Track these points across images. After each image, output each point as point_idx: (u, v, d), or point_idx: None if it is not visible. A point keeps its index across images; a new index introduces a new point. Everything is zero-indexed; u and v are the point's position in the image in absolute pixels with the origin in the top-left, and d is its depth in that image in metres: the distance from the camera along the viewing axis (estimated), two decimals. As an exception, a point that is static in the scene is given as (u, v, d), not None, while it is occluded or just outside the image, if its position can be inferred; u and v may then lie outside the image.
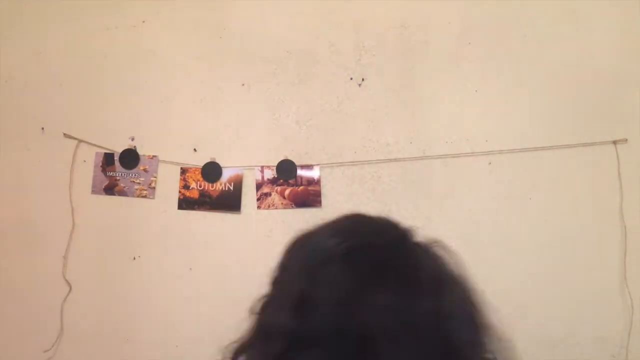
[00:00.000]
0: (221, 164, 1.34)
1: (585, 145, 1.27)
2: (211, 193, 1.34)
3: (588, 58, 1.29)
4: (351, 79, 1.33)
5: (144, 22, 1.37)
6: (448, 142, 1.30)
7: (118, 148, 1.37)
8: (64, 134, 1.37)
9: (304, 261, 0.58)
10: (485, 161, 1.29)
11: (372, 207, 1.32)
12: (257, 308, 0.64)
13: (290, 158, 1.33)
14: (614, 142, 1.26)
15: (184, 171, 1.35)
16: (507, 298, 1.28)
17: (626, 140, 1.26)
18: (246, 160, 1.34)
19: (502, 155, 1.29)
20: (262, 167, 1.34)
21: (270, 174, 1.33)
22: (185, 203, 1.35)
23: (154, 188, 1.35)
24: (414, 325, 0.52)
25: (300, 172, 1.33)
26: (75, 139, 1.37)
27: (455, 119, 1.30)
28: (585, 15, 1.28)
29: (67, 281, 1.36)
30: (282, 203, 1.33)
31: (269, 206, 1.33)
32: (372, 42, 1.32)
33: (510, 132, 1.29)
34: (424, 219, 1.29)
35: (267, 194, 1.33)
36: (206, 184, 1.34)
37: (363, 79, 1.33)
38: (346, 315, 0.52)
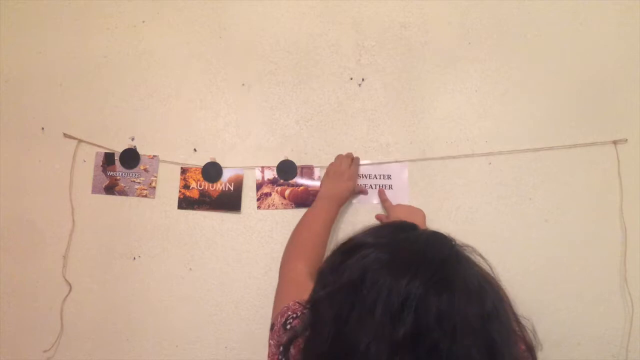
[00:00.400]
0: (221, 164, 1.34)
1: (585, 145, 1.27)
2: (211, 193, 1.34)
3: (588, 58, 1.29)
4: (351, 79, 1.33)
5: (144, 22, 1.37)
6: (448, 142, 1.30)
7: (118, 148, 1.37)
8: (64, 134, 1.37)
9: (380, 301, 0.60)
10: (485, 161, 1.29)
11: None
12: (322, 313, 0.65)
13: (290, 158, 1.34)
14: (614, 142, 1.26)
15: (184, 171, 1.35)
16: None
17: (626, 140, 1.26)
18: (246, 161, 1.35)
19: (502, 156, 1.29)
20: (263, 167, 1.34)
21: (270, 174, 1.33)
22: (185, 203, 1.35)
23: (154, 188, 1.35)
24: (468, 326, 0.58)
25: (299, 174, 1.33)
26: (75, 139, 1.37)
27: (455, 119, 1.30)
28: (585, 15, 1.28)
29: (67, 281, 1.36)
30: (282, 203, 1.33)
31: (268, 206, 1.33)
32: (372, 42, 1.32)
33: (510, 132, 1.29)
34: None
35: (267, 194, 1.33)
36: (206, 183, 1.34)
37: (363, 79, 1.33)
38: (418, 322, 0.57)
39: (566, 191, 1.28)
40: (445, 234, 0.71)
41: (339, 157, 1.28)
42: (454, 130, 1.30)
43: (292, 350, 0.71)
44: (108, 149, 1.37)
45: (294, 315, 0.78)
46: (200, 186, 1.34)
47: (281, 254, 1.33)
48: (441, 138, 1.31)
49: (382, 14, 1.32)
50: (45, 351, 1.36)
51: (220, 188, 1.34)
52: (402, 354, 0.56)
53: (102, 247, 1.37)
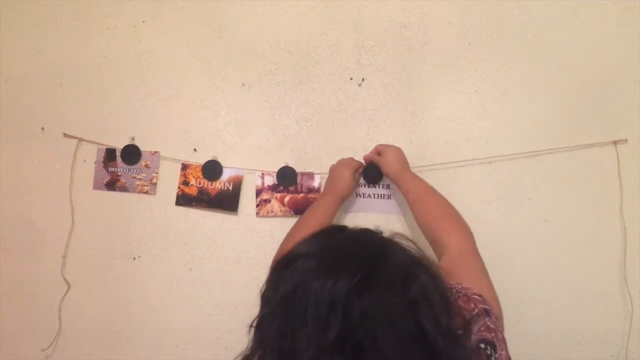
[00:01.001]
0: (222, 163, 1.34)
1: (585, 145, 1.27)
2: (210, 191, 1.34)
3: (588, 58, 1.28)
4: (351, 79, 1.33)
5: (144, 22, 1.37)
6: (448, 142, 1.30)
7: (118, 147, 1.37)
8: (64, 134, 1.37)
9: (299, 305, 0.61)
10: (485, 161, 1.29)
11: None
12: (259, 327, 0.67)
13: (289, 158, 1.34)
14: (614, 143, 1.26)
15: (184, 167, 1.35)
16: (506, 298, 1.28)
17: (626, 140, 1.26)
18: (246, 161, 1.34)
19: (502, 156, 1.29)
20: (263, 173, 1.33)
21: (270, 180, 1.33)
22: (183, 199, 1.35)
23: (155, 184, 1.35)
24: (389, 319, 0.58)
25: (300, 179, 1.33)
26: (75, 138, 1.37)
27: (455, 119, 1.30)
28: (585, 15, 1.28)
29: (66, 280, 1.36)
30: (281, 210, 1.33)
31: (267, 213, 1.33)
32: (372, 42, 1.32)
33: (510, 132, 1.29)
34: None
35: (267, 201, 1.33)
36: (205, 181, 1.34)
37: (363, 79, 1.33)
38: (340, 327, 0.57)
39: (566, 191, 1.28)
40: (374, 228, 0.72)
41: (341, 159, 1.29)
42: (454, 130, 1.30)
43: None
44: (109, 147, 1.37)
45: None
46: (199, 184, 1.34)
47: (281, 254, 1.33)
48: (441, 138, 1.30)
49: (382, 14, 1.32)
50: (43, 350, 1.36)
51: (219, 187, 1.34)
52: (333, 358, 0.57)
53: (102, 246, 1.37)
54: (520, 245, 1.29)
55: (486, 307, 0.75)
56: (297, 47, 1.34)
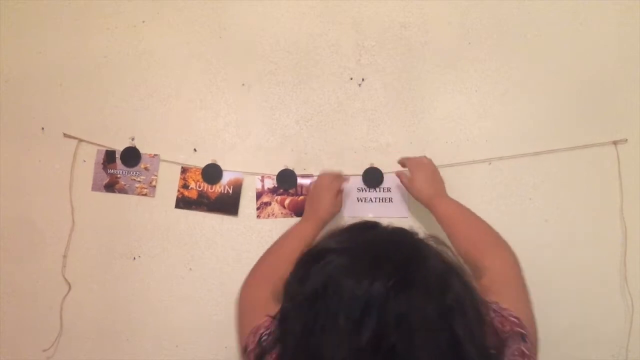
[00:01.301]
0: (221, 165, 1.34)
1: (585, 145, 1.27)
2: (210, 194, 1.34)
3: (588, 58, 1.28)
4: (351, 79, 1.33)
5: (144, 22, 1.37)
6: (448, 142, 1.30)
7: (118, 148, 1.37)
8: (64, 134, 1.37)
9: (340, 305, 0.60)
10: (485, 161, 1.29)
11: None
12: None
13: (289, 158, 1.34)
14: (614, 143, 1.26)
15: (184, 170, 1.35)
16: (507, 298, 1.28)
17: (626, 140, 1.26)
18: (246, 161, 1.34)
19: (502, 156, 1.29)
20: (263, 176, 1.33)
21: (270, 183, 1.33)
22: (183, 202, 1.35)
23: (154, 187, 1.35)
24: (426, 325, 0.57)
25: (300, 181, 1.33)
26: (75, 138, 1.37)
27: (455, 119, 1.30)
28: (585, 15, 1.28)
29: (66, 280, 1.36)
30: (282, 212, 1.33)
31: (268, 215, 1.33)
32: (372, 42, 1.32)
33: (510, 132, 1.29)
34: (424, 220, 1.29)
35: (267, 204, 1.33)
36: (205, 184, 1.34)
37: (363, 79, 1.33)
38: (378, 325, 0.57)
39: (566, 191, 1.28)
40: (408, 228, 0.71)
41: (321, 174, 1.24)
42: (454, 130, 1.30)
43: None
44: (108, 148, 1.37)
45: (268, 332, 0.76)
46: (199, 187, 1.34)
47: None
48: (441, 138, 1.30)
49: (382, 14, 1.32)
50: (44, 350, 1.36)
51: (219, 190, 1.34)
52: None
53: (102, 247, 1.37)
54: (520, 245, 1.28)
55: (523, 331, 0.72)
56: (297, 47, 1.34)
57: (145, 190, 1.36)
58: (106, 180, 1.36)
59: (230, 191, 1.34)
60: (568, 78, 1.29)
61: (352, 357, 0.57)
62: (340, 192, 1.21)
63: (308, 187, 1.31)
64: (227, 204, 1.33)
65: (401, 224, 1.28)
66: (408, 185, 1.18)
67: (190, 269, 1.35)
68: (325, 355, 0.58)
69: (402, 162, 1.24)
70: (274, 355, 0.69)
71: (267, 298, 0.89)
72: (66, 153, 1.37)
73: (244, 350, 0.79)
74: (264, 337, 0.74)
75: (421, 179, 1.15)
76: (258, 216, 1.33)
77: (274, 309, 0.72)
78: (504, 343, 0.69)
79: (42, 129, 1.39)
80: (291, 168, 1.33)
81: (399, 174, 1.22)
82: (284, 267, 0.81)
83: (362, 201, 1.31)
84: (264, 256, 1.11)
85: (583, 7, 1.28)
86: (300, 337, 0.60)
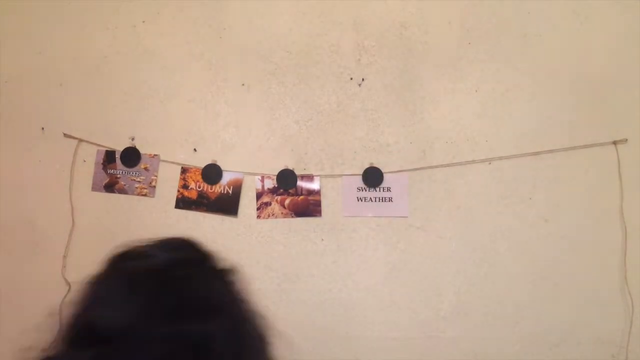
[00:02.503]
0: (221, 165, 1.34)
1: (585, 145, 1.27)
2: (209, 195, 1.34)
3: (588, 58, 1.28)
4: (351, 79, 1.33)
5: (144, 22, 1.37)
6: (448, 142, 1.30)
7: (118, 148, 1.37)
8: (64, 134, 1.37)
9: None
10: (485, 161, 1.29)
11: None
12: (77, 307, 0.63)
13: (289, 158, 1.33)
14: (614, 143, 1.26)
15: (184, 170, 1.35)
16: (507, 298, 1.28)
17: (626, 140, 1.26)
18: (245, 161, 1.34)
19: (502, 155, 1.29)
20: (263, 176, 1.33)
21: (270, 183, 1.33)
22: (183, 202, 1.34)
23: (154, 187, 1.35)
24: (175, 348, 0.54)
25: (300, 182, 1.32)
26: (75, 138, 1.37)
27: (455, 119, 1.30)
28: (585, 15, 1.28)
29: (66, 281, 1.36)
30: (282, 212, 1.33)
31: (268, 215, 1.33)
32: (372, 42, 1.32)
33: (510, 132, 1.29)
34: (424, 219, 1.29)
35: (267, 204, 1.33)
36: (205, 185, 1.34)
37: (363, 79, 1.33)
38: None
39: (566, 191, 1.28)
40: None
41: None
42: (454, 130, 1.30)
43: None
44: (108, 148, 1.37)
45: None
46: (199, 187, 1.34)
47: (281, 254, 1.33)
48: (441, 138, 1.30)
49: (382, 14, 1.32)
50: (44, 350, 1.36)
51: (219, 191, 1.34)
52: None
53: (102, 247, 1.35)
54: (520, 246, 1.28)
55: None
56: (297, 47, 1.34)
57: (145, 190, 1.35)
58: (106, 180, 1.36)
59: (230, 191, 1.34)
60: (568, 78, 1.29)
61: None
62: None
63: (308, 188, 1.32)
64: (227, 204, 1.33)
65: (401, 223, 1.31)
66: None
67: (190, 269, 1.34)
68: None
69: None
70: None
71: None
72: (66, 153, 1.37)
73: None
74: None
75: None
76: (258, 216, 1.33)
77: None
78: None
79: (42, 129, 1.39)
80: (291, 168, 1.33)
81: None
82: None
83: (362, 201, 1.31)
84: None
85: (583, 8, 1.28)
86: None
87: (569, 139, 1.27)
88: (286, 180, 1.32)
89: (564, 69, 1.29)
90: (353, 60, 1.33)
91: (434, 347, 1.28)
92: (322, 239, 1.32)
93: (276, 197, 1.33)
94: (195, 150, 1.35)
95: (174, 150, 1.36)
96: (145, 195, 1.35)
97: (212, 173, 1.34)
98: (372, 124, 1.32)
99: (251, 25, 1.35)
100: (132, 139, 1.37)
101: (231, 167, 1.34)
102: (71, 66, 1.38)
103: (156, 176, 1.35)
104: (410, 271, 1.29)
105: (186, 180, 1.35)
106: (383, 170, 1.31)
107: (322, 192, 1.32)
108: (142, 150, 1.36)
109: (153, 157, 1.36)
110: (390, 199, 1.31)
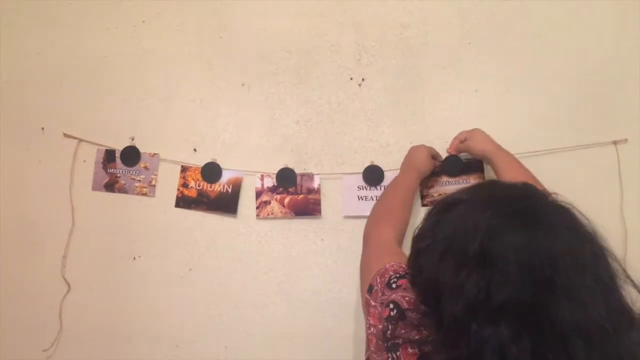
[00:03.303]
0: (221, 164, 1.34)
1: (585, 145, 1.27)
2: (209, 193, 1.34)
3: (588, 58, 1.28)
4: (351, 79, 1.33)
5: (144, 22, 1.37)
6: (448, 142, 1.30)
7: (118, 147, 1.37)
8: (64, 134, 1.37)
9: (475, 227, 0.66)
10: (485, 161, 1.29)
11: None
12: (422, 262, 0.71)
13: (289, 158, 1.33)
14: (614, 142, 1.26)
15: (184, 169, 1.35)
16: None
17: (626, 140, 1.26)
18: (245, 161, 1.34)
19: (502, 155, 1.28)
20: (262, 175, 1.33)
21: (270, 182, 1.33)
22: (183, 201, 1.35)
23: (154, 186, 1.35)
24: (583, 263, 0.65)
25: (300, 181, 1.33)
26: (75, 138, 1.37)
27: (455, 119, 1.30)
28: (585, 15, 1.28)
29: (66, 280, 1.36)
30: (281, 212, 1.33)
31: (268, 214, 1.33)
32: (372, 42, 1.32)
33: (510, 132, 1.29)
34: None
35: (267, 202, 1.33)
36: (205, 183, 1.34)
37: (363, 79, 1.33)
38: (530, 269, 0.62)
39: (566, 191, 1.27)
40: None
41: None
42: (454, 131, 1.30)
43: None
44: (108, 147, 1.37)
45: (397, 275, 0.81)
46: (199, 186, 1.34)
47: (281, 254, 1.33)
48: (441, 138, 1.30)
49: (382, 14, 1.32)
50: (44, 350, 1.36)
51: (219, 189, 1.34)
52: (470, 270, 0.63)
53: (102, 247, 1.37)
54: (520, 245, 1.28)
55: None
56: (297, 47, 1.34)
57: (145, 189, 1.35)
58: (106, 179, 1.36)
59: (230, 190, 1.34)
60: (568, 78, 1.29)
61: (460, 268, 0.63)
62: (435, 155, 1.28)
63: (308, 187, 1.32)
64: (227, 203, 1.33)
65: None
66: (470, 144, 1.23)
67: (190, 268, 1.35)
68: (449, 282, 0.64)
69: (458, 139, 1.26)
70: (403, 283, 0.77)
71: (390, 239, 1.00)
72: (66, 153, 1.37)
73: (369, 289, 0.84)
74: (393, 280, 0.80)
75: (481, 137, 1.22)
76: (258, 215, 1.33)
77: (398, 251, 0.93)
78: None
79: (42, 129, 1.39)
80: (291, 167, 1.33)
81: (453, 142, 1.27)
82: (398, 210, 1.11)
83: (362, 199, 1.31)
84: (380, 200, 1.19)
85: (583, 8, 1.28)
86: (432, 268, 0.68)
87: (568, 139, 1.27)
88: (286, 179, 1.32)
89: (563, 69, 1.29)
90: (353, 60, 1.33)
91: (434, 347, 1.28)
92: (322, 239, 1.32)
93: (276, 196, 1.33)
94: (195, 150, 1.35)
95: (174, 151, 1.36)
96: (145, 194, 1.36)
97: (211, 172, 1.34)
98: (372, 124, 1.32)
99: (251, 25, 1.35)
100: (132, 139, 1.37)
101: (231, 167, 1.34)
102: (71, 66, 1.38)
103: (156, 175, 1.36)
104: (410, 271, 1.29)
105: (186, 179, 1.35)
106: (383, 169, 1.31)
107: (322, 192, 1.32)
108: (141, 150, 1.36)
109: (153, 156, 1.36)
110: None
